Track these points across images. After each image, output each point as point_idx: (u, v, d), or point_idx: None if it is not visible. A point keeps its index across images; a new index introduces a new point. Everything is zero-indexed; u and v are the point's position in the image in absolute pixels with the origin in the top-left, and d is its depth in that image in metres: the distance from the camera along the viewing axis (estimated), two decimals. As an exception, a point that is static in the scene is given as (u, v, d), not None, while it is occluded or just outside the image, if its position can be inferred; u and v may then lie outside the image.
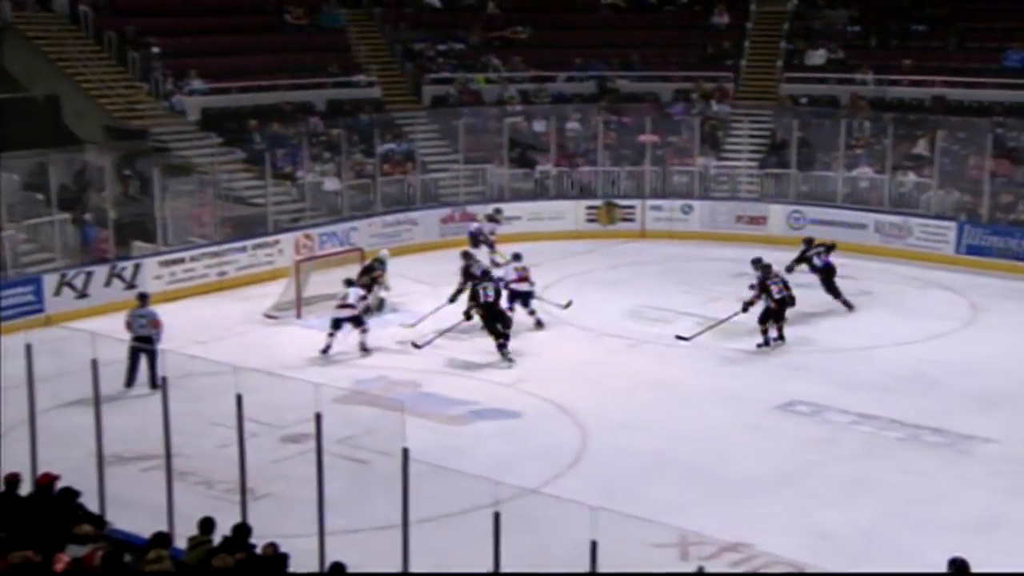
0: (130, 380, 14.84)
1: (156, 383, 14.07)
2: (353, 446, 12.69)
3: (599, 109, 26.45)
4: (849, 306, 18.85)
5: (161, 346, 14.56)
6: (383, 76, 27.45)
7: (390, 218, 23.25)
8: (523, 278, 17.76)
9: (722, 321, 17.42)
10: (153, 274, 19.41)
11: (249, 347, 16.88)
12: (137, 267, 19.23)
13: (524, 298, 17.75)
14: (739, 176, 25.21)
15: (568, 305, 18.33)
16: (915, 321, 18.39)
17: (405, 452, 8.54)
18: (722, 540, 10.25)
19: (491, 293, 16.59)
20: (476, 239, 21.38)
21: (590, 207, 24.84)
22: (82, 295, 18.48)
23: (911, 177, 23.62)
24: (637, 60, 28.31)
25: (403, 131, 25.79)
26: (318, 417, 9.12)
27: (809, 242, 19.83)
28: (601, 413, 14.40)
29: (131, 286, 18.48)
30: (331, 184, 23.34)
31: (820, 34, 28.03)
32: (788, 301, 17.18)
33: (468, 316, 16.83)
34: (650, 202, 24.79)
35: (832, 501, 11.98)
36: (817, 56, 27.43)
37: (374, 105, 26.34)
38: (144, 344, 14.67)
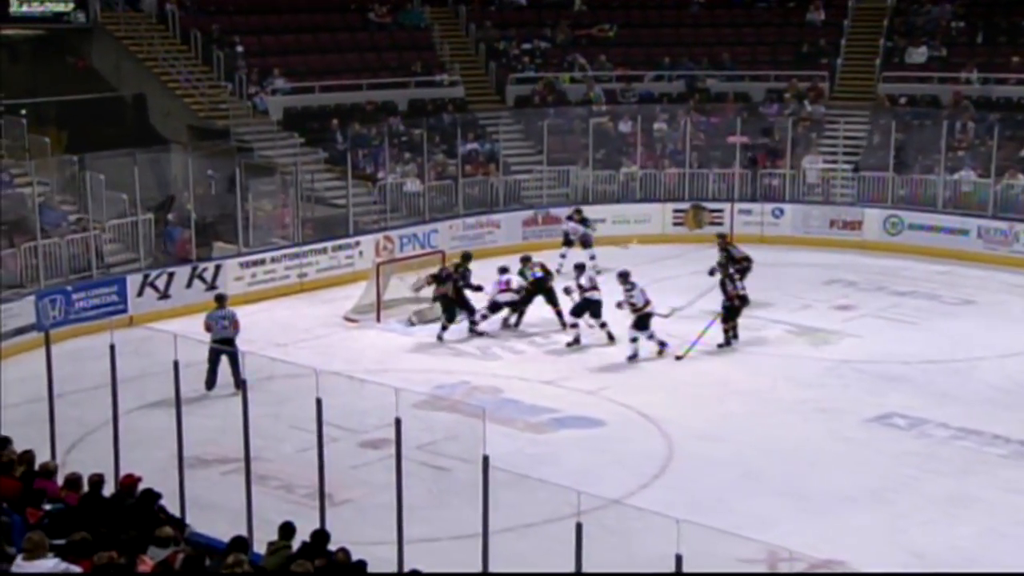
0: (211, 382, 15.08)
1: (238, 385, 14.23)
2: (433, 452, 12.80)
3: (687, 109, 26.33)
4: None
5: (242, 348, 14.77)
6: (466, 75, 27.59)
7: (471, 220, 23.38)
8: (591, 287, 17.38)
9: (675, 311, 17.49)
10: (234, 275, 19.70)
11: (329, 350, 17.07)
12: (218, 268, 19.53)
13: (594, 308, 17.31)
14: (833, 179, 24.95)
15: (671, 314, 17.83)
16: (1020, 332, 18.07)
17: (485, 459, 8.59)
18: (813, 557, 10.13)
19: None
20: (567, 238, 21.79)
21: (677, 210, 24.78)
22: (164, 296, 18.83)
23: (1021, 180, 23.08)
24: (728, 59, 28.13)
25: (486, 131, 25.89)
26: (398, 422, 9.20)
27: (723, 237, 20.08)
28: (686, 422, 14.35)
29: (212, 287, 18.78)
30: (412, 185, 23.54)
31: (922, 31, 27.59)
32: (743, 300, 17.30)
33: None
34: (740, 205, 24.68)
35: (929, 519, 11.83)
36: (918, 54, 26.99)
37: (457, 105, 26.47)
38: (225, 346, 14.90)
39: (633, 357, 16.61)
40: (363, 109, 25.54)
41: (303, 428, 11.11)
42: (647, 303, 16.95)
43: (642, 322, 16.84)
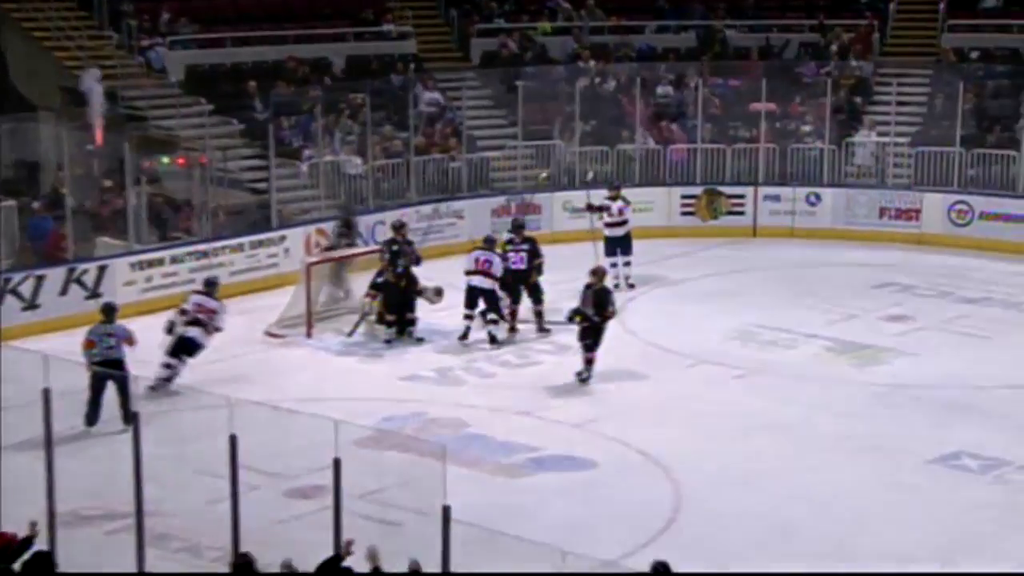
0: (93, 416, 14.95)
1: (128, 419, 13.95)
2: (381, 502, 12.80)
3: (700, 68, 26.48)
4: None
5: (133, 372, 14.72)
6: (420, 25, 27.62)
7: (428, 209, 23.35)
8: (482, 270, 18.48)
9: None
10: (123, 279, 19.61)
11: (247, 374, 17.06)
12: (102, 270, 19.40)
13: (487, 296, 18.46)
14: (885, 156, 25.10)
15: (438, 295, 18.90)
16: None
17: (446, 511, 8.66)
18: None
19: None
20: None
21: (686, 196, 24.92)
22: (31, 306, 18.69)
23: None
24: (750, 4, 28.40)
25: (446, 97, 25.87)
26: (336, 464, 9.25)
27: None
28: (700, 464, 14.38)
29: (95, 295, 18.67)
30: (353, 165, 23.55)
31: (999, -35, 28.04)
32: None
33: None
34: (765, 190, 24.81)
35: (1012, 586, 11.91)
36: (993, -5, 27.47)
37: (408, 63, 26.44)
38: (112, 370, 14.77)
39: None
40: (289, 68, 25.54)
41: (213, 473, 11.08)
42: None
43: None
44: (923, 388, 16.79)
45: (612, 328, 17.29)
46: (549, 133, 25.57)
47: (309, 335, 18.71)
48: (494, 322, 18.50)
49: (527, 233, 19.64)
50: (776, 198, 24.75)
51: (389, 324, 18.48)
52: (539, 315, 18.83)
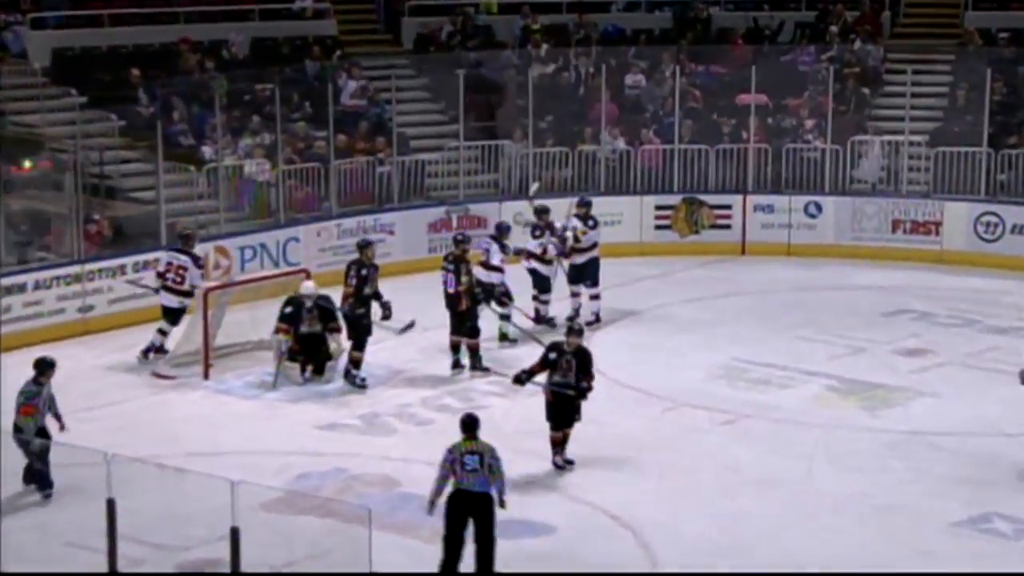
0: (46, 481, 14.60)
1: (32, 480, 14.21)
2: (292, 580, 12.75)
3: (677, 54, 26.61)
4: None
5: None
6: (340, 3, 27.78)
7: (351, 222, 23.41)
8: None
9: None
10: (-24, 309, 19.51)
11: (130, 423, 17.00)
12: (-52, 299, 19.35)
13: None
14: (899, 158, 25.23)
15: (407, 329, 19.12)
16: None
17: (373, 588, 8.58)
18: None
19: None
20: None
21: (662, 207, 25.08)
22: None
23: None
24: (737, -24, 28.64)
25: (373, 88, 25.87)
26: (234, 534, 9.30)
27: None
28: (678, 529, 14.37)
29: (-61, 328, 18.58)
30: (259, 170, 23.56)
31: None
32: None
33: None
34: (755, 199, 24.99)
35: None
36: (1025, -35, 27.73)
37: (327, 47, 26.51)
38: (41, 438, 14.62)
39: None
40: (180, 52, 25.54)
41: (86, 546, 11.04)
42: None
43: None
44: (945, 436, 16.81)
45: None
46: (496, 131, 25.64)
47: (206, 376, 18.69)
48: (504, 317, 19.65)
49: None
50: (769, 208, 24.98)
51: (305, 362, 18.51)
52: (474, 351, 18.89)
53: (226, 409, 17.86)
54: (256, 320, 19.46)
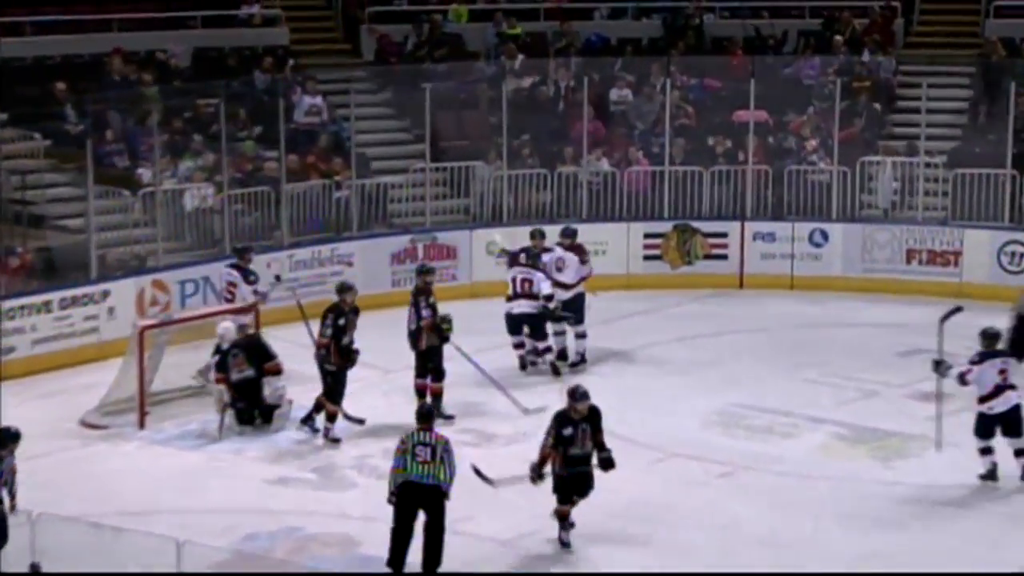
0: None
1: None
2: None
3: (666, 65, 26.61)
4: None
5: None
6: (293, 7, 27.91)
7: (305, 252, 23.43)
8: None
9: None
10: None
11: (56, 479, 16.77)
12: None
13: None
14: (914, 180, 25.29)
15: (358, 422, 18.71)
16: None
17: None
18: None
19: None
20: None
21: (651, 235, 25.12)
22: None
23: None
24: (735, -20, 28.89)
25: (329, 104, 25.96)
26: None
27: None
28: (671, 597, 14.33)
29: None
30: (201, 196, 23.45)
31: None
32: None
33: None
34: (755, 226, 25.03)
35: None
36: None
37: (278, 58, 26.56)
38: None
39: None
40: (112, 64, 25.49)
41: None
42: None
43: None
44: (968, 490, 16.73)
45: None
46: (467, 152, 25.60)
47: (142, 425, 18.56)
48: (547, 350, 20.41)
49: None
50: (769, 237, 25.00)
51: (242, 412, 18.45)
52: (436, 396, 18.68)
53: (164, 462, 17.74)
54: (197, 362, 19.46)
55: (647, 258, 25.02)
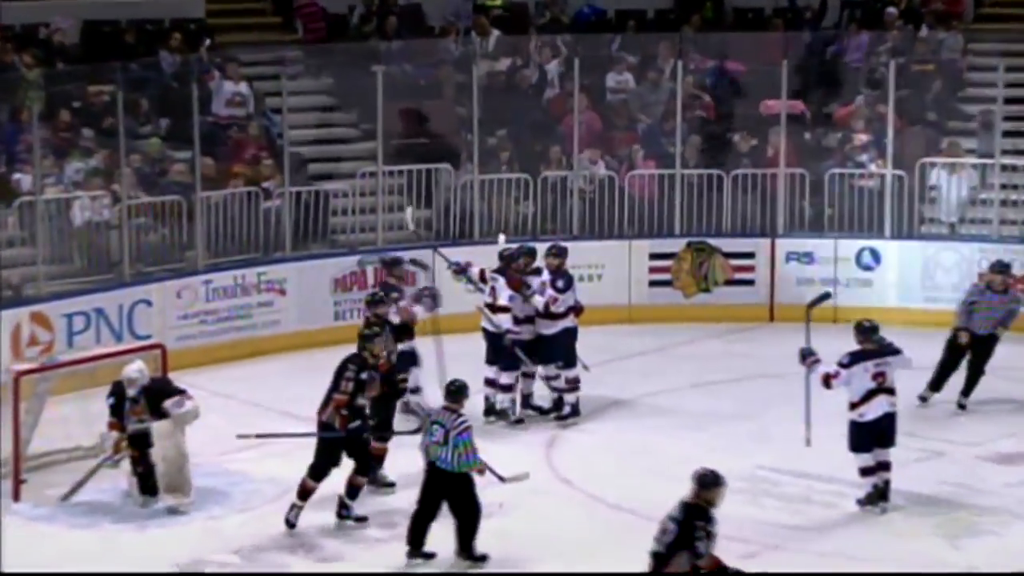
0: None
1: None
2: None
3: (678, 44, 26.27)
4: None
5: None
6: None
7: (226, 278, 23.07)
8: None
9: None
10: None
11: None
12: None
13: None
14: (986, 188, 25.10)
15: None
16: None
17: None
18: None
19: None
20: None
21: (659, 255, 24.99)
22: None
23: None
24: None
25: (256, 91, 25.91)
26: None
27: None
28: None
29: None
30: (92, 207, 22.98)
31: None
32: None
33: None
34: (788, 244, 24.89)
35: None
36: None
37: (190, 34, 26.66)
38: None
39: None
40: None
41: None
42: None
43: None
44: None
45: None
46: (428, 152, 25.16)
47: (16, 497, 18.11)
48: (503, 388, 20.49)
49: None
50: (807, 258, 24.83)
51: (145, 479, 17.78)
52: (378, 459, 18.09)
53: (46, 543, 17.02)
54: (89, 417, 18.78)
55: (654, 284, 24.97)
